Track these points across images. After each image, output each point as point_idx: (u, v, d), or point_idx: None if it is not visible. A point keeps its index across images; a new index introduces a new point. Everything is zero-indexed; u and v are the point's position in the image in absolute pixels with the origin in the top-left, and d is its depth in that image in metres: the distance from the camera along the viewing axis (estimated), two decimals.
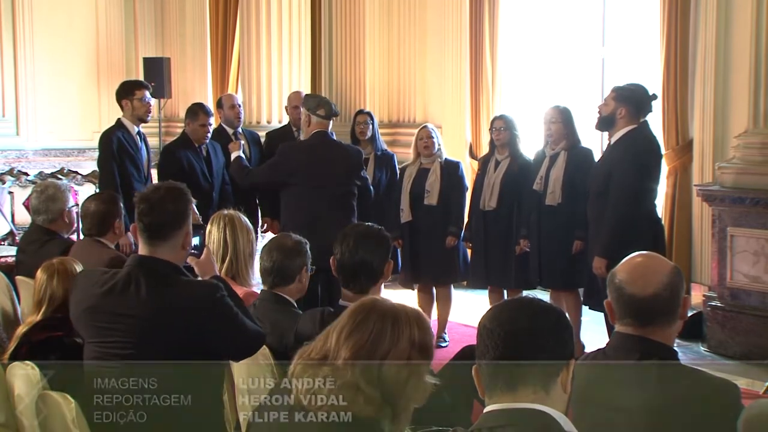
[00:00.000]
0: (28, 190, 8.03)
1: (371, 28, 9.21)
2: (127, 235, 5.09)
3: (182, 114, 7.52)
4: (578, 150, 6.21)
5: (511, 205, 6.46)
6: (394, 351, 2.15)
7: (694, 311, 6.65)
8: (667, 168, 6.99)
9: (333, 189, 5.79)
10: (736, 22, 6.66)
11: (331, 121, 5.95)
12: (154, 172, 7.00)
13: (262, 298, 3.86)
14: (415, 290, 6.92)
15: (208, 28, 10.68)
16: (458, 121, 8.73)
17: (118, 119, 6.59)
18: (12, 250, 7.02)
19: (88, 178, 10.05)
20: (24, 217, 8.38)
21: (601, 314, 5.50)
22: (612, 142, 5.57)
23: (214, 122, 6.96)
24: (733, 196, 6.42)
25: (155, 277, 3.03)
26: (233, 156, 6.43)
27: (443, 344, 6.64)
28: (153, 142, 8.27)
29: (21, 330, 3.69)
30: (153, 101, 6.95)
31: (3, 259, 6.95)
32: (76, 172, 10.23)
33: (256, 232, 5.19)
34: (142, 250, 3.12)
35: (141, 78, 9.31)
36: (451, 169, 6.70)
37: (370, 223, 3.60)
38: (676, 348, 2.72)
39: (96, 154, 6.74)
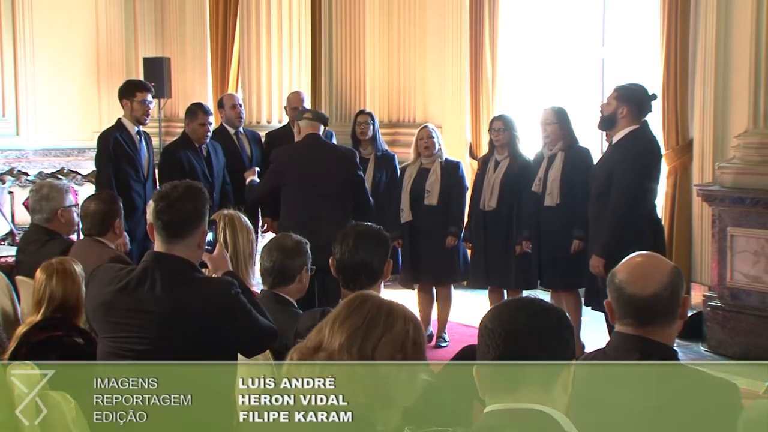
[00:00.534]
0: (28, 190, 8.03)
1: (371, 28, 9.21)
2: (124, 234, 5.10)
3: (182, 114, 7.52)
4: (575, 150, 6.20)
5: (511, 205, 6.46)
6: (388, 335, 2.18)
7: (694, 311, 6.65)
8: (667, 168, 6.99)
9: (326, 188, 5.84)
10: (736, 22, 6.65)
11: (323, 126, 6.07)
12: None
13: (262, 298, 3.85)
14: (415, 290, 6.92)
15: (208, 28, 10.68)
16: (458, 121, 8.73)
17: (119, 119, 6.59)
18: (12, 250, 7.02)
19: (88, 178, 10.03)
20: (24, 217, 8.36)
21: (602, 314, 5.50)
22: (613, 142, 5.56)
23: (213, 121, 6.96)
24: (733, 196, 6.41)
25: (172, 273, 3.06)
26: (248, 181, 6.52)
27: (443, 344, 6.65)
28: (153, 142, 8.25)
29: (21, 330, 3.69)
30: (154, 103, 6.94)
31: (3, 259, 6.96)
32: (76, 172, 10.23)
33: (257, 232, 5.19)
34: (159, 247, 3.14)
35: (141, 78, 9.31)
36: (452, 169, 6.70)
37: (369, 223, 3.60)
38: (676, 348, 2.72)
39: (95, 153, 6.76)
